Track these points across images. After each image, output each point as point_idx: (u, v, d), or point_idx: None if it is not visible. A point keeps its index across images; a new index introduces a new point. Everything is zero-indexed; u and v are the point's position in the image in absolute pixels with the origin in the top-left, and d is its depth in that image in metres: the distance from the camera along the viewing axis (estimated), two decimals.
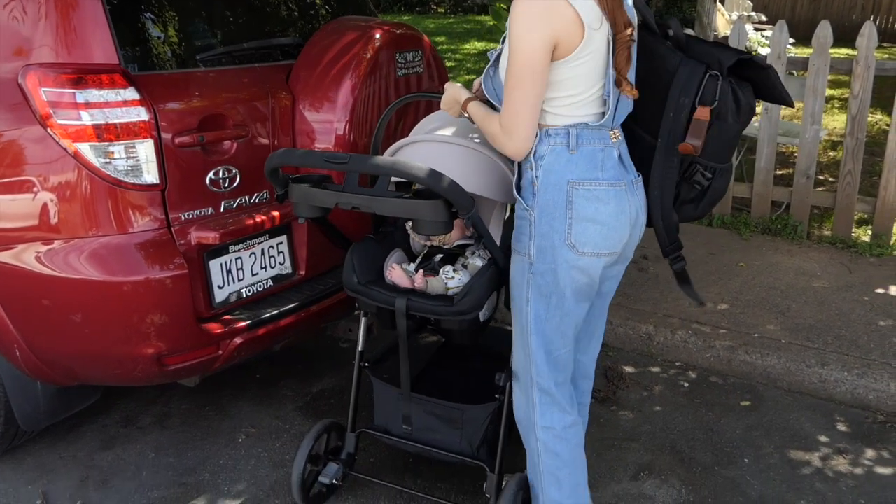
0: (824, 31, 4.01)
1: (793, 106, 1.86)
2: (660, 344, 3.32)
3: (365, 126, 2.49)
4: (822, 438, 2.73)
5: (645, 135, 1.87)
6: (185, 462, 2.55)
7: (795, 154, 4.38)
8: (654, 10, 9.32)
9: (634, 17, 1.75)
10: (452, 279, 2.01)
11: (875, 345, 3.16)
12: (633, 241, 1.90)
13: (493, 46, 12.25)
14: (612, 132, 1.78)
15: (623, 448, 2.65)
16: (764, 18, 11.79)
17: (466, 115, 1.86)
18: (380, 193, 1.72)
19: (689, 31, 2.01)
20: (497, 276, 1.94)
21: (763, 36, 8.06)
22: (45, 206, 2.04)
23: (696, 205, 1.86)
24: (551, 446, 1.96)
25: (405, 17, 15.86)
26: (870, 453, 2.65)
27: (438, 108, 2.04)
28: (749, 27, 8.28)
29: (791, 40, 6.95)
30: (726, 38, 4.32)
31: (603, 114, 1.75)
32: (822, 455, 2.63)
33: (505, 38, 1.75)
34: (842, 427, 2.80)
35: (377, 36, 2.54)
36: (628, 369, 3.18)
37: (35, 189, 2.04)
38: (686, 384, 3.08)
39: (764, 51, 5.64)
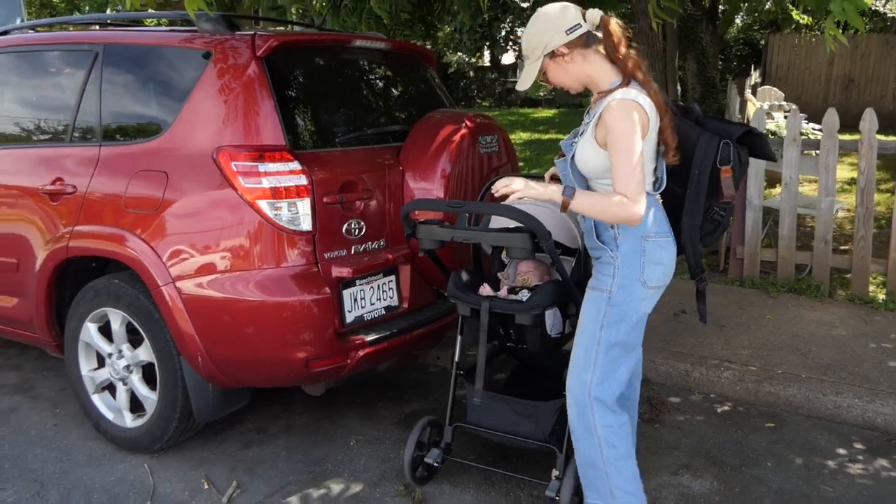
0: (831, 117, 4.70)
1: (775, 160, 2.52)
2: (696, 379, 3.88)
3: (456, 192, 3.22)
4: (836, 450, 3.24)
5: (675, 188, 2.44)
6: (310, 457, 3.19)
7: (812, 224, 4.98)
8: (691, 100, 10.21)
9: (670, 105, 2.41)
10: (526, 296, 2.68)
11: (884, 379, 3.68)
12: None
13: (538, 137, 13.15)
14: (658, 194, 2.40)
15: (665, 454, 3.20)
16: (794, 107, 12.58)
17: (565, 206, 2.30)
18: (483, 229, 2.41)
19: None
20: (560, 290, 2.59)
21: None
22: (228, 245, 2.78)
23: (712, 236, 2.49)
24: (611, 440, 2.45)
25: None
26: (878, 462, 3.15)
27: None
28: (780, 115, 9.03)
29: (819, 126, 7.64)
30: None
31: (653, 183, 2.37)
32: (836, 462, 3.14)
33: (580, 132, 2.37)
34: (853, 443, 3.31)
35: (464, 123, 3.30)
36: (670, 399, 3.75)
37: (222, 233, 2.78)
38: (719, 410, 3.63)
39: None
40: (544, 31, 2.30)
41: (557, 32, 2.29)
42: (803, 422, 3.51)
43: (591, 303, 2.42)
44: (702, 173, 2.38)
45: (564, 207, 2.30)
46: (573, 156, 2.38)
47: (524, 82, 2.38)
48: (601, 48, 2.32)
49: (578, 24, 2.29)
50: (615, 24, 2.31)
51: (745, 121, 7.01)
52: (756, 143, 2.45)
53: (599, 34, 2.32)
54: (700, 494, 2.91)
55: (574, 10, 2.33)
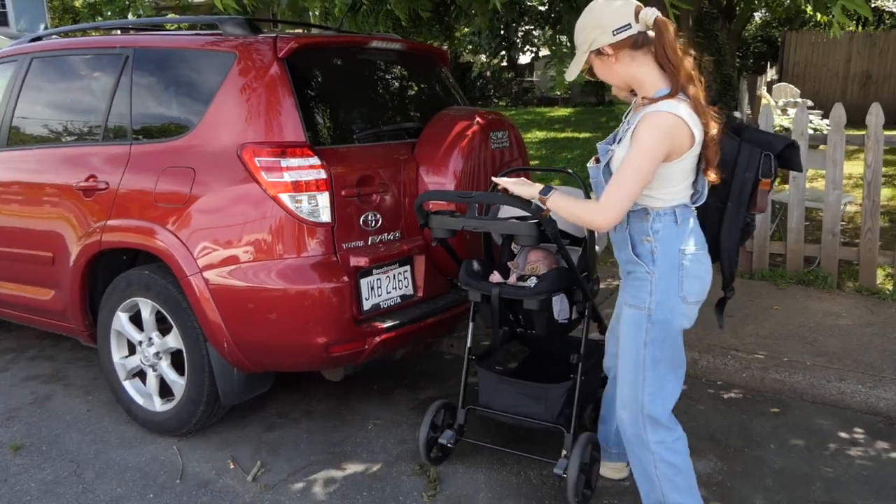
0: (838, 112, 4.79)
1: (802, 171, 2.56)
2: (703, 367, 3.99)
3: (469, 186, 3.36)
4: (838, 433, 3.34)
5: (714, 201, 2.38)
6: (331, 439, 3.35)
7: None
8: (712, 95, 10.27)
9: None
10: (534, 283, 2.81)
11: (888, 366, 3.77)
12: None
13: (554, 136, 13.23)
14: (695, 207, 2.32)
15: None
16: (810, 104, 12.61)
17: (545, 206, 2.33)
18: (492, 218, 2.55)
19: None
20: (566, 276, 2.72)
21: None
22: (252, 236, 2.93)
23: (740, 242, 2.50)
24: (666, 457, 2.41)
25: None
26: (879, 444, 3.25)
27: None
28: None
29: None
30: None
31: (691, 195, 2.29)
32: (837, 444, 3.25)
33: (618, 138, 2.29)
34: (856, 427, 3.41)
35: (476, 120, 3.44)
36: None
37: (245, 225, 2.94)
38: (725, 396, 3.74)
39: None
40: (592, 26, 2.17)
41: (604, 31, 2.15)
42: (807, 407, 3.61)
43: (631, 321, 2.37)
44: (744, 185, 2.34)
45: (546, 210, 2.33)
46: (608, 162, 2.30)
47: (571, 73, 2.28)
48: (652, 51, 2.18)
49: (628, 24, 2.14)
50: (671, 28, 2.17)
51: (756, 117, 7.09)
52: (790, 156, 2.39)
53: (652, 35, 2.17)
54: (704, 474, 3.02)
55: (627, 8, 2.17)
